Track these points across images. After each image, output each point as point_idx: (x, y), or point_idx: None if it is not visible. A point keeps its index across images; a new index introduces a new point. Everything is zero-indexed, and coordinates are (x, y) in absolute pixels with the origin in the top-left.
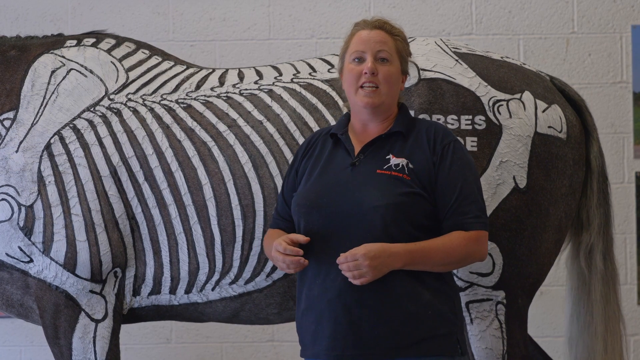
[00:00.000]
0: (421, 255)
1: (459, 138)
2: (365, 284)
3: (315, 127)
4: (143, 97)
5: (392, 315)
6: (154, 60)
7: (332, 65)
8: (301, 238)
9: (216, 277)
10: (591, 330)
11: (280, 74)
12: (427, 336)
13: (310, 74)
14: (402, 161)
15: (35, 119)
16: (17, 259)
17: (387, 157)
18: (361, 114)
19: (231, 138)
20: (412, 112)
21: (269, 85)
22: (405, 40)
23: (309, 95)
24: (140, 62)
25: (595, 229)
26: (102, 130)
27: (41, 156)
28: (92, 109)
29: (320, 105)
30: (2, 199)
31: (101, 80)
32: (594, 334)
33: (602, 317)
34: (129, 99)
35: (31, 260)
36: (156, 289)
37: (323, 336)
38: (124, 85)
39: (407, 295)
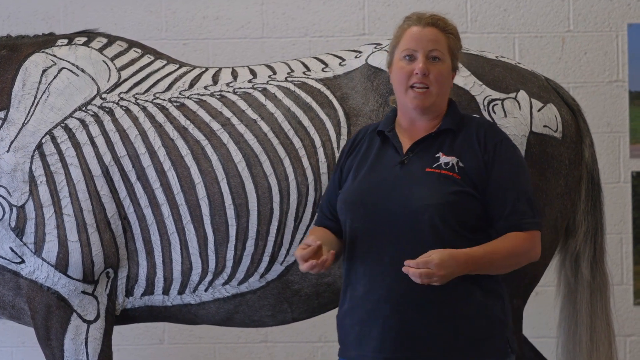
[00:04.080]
0: (486, 261)
1: (508, 137)
2: (415, 285)
3: (309, 126)
4: (135, 96)
5: (443, 315)
6: (146, 59)
7: (327, 64)
8: (312, 243)
9: (209, 277)
10: (576, 340)
11: (275, 73)
12: (479, 338)
13: (304, 72)
14: (452, 159)
15: (26, 118)
16: (8, 260)
17: (437, 155)
18: (410, 112)
19: (225, 137)
20: None
21: (263, 84)
22: (458, 36)
23: (303, 94)
24: (133, 61)
25: (581, 236)
26: (94, 129)
27: (32, 156)
28: (83, 108)
29: (314, 104)
30: None
31: (93, 79)
32: (578, 343)
33: (586, 328)
34: (121, 98)
35: (23, 261)
36: (149, 290)
37: (370, 337)
38: (116, 84)
39: (459, 295)
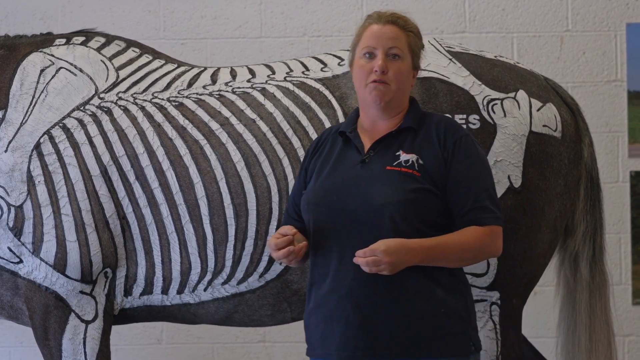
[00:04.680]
0: (438, 251)
1: (468, 134)
2: (376, 285)
3: (308, 126)
4: (134, 95)
5: (403, 313)
6: (144, 58)
7: (326, 64)
8: (289, 231)
9: (208, 277)
10: (575, 340)
11: (273, 73)
12: (439, 335)
13: (303, 72)
14: (412, 157)
15: (24, 118)
16: (6, 260)
17: (397, 153)
18: (370, 109)
19: (223, 136)
20: None
21: (262, 83)
22: (419, 35)
23: (302, 94)
24: (131, 61)
25: (579, 235)
26: (92, 129)
27: (30, 156)
28: (82, 108)
29: (313, 104)
30: None
31: (91, 79)
32: (577, 343)
33: (585, 328)
34: (120, 98)
35: (21, 261)
36: (148, 289)
37: (333, 336)
38: (114, 84)
39: (419, 293)
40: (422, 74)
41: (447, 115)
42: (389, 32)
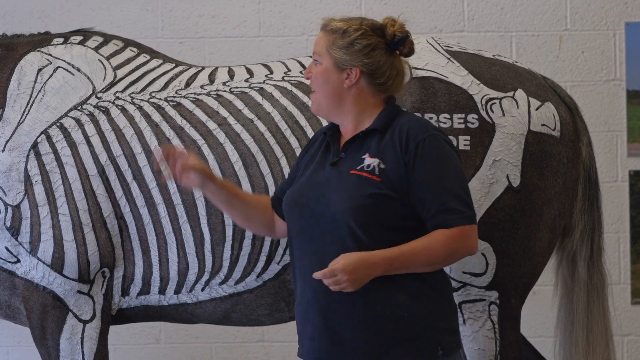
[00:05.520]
0: (402, 260)
1: (436, 133)
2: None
3: (306, 126)
4: (131, 95)
5: (365, 319)
6: (142, 58)
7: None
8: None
9: (206, 277)
10: (572, 340)
11: (271, 72)
12: (400, 340)
13: (301, 72)
14: (374, 161)
15: (21, 117)
16: (4, 260)
17: (363, 156)
18: None
19: (221, 136)
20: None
21: (260, 83)
22: (341, 32)
23: (300, 94)
24: (129, 60)
25: (577, 235)
26: (90, 128)
27: (28, 155)
28: (79, 108)
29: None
30: None
31: (88, 78)
32: (574, 343)
33: (583, 328)
34: (117, 97)
35: (18, 261)
36: (145, 289)
37: (305, 337)
38: (112, 84)
39: (381, 298)
40: (420, 73)
41: (446, 114)
42: (317, 39)
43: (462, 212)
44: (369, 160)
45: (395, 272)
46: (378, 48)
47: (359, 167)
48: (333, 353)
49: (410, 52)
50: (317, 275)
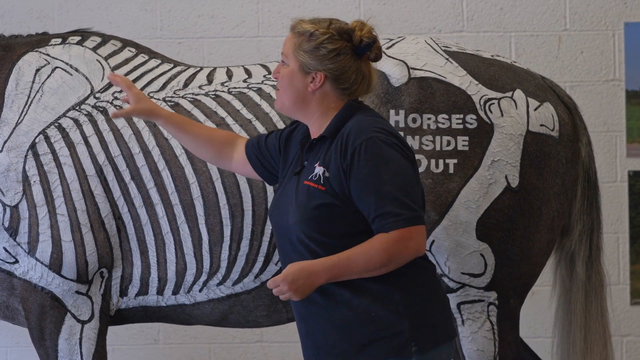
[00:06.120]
0: (343, 267)
1: (376, 135)
2: (310, 294)
3: None
4: None
5: (335, 322)
6: (140, 58)
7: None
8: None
9: (204, 277)
10: (570, 340)
11: (270, 73)
12: (370, 341)
13: None
14: (320, 170)
15: (19, 118)
16: (2, 260)
17: (315, 165)
18: None
19: None
20: (402, 112)
21: (258, 83)
22: (308, 35)
23: None
24: (127, 61)
25: (576, 235)
26: (88, 129)
27: (26, 156)
28: (77, 108)
29: None
30: None
31: (87, 78)
32: (572, 344)
33: (580, 328)
34: (115, 97)
35: (16, 261)
36: (143, 290)
37: (301, 340)
38: (110, 84)
39: (345, 302)
40: (418, 73)
41: (445, 114)
42: (285, 39)
43: (400, 215)
44: (317, 169)
45: (341, 279)
46: (343, 53)
47: (310, 177)
48: (316, 358)
49: (377, 57)
50: (268, 285)
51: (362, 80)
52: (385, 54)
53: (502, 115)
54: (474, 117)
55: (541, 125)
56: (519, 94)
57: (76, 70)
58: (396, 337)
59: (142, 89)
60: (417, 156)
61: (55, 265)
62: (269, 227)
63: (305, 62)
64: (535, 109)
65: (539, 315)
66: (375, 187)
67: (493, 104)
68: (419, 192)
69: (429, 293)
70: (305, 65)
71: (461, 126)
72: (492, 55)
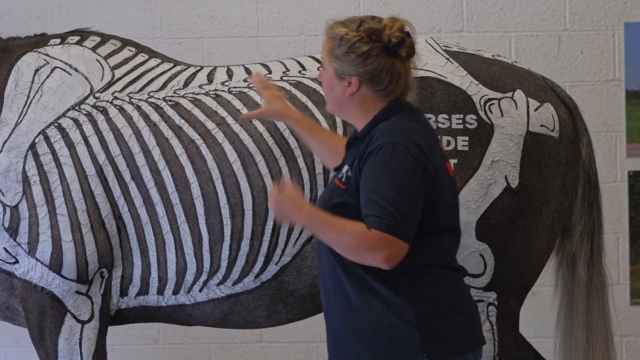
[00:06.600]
0: (321, 225)
1: (396, 141)
2: (330, 295)
3: None
4: (129, 95)
5: (351, 327)
6: (140, 57)
7: (322, 64)
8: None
9: (204, 277)
10: (572, 341)
11: (270, 72)
12: (382, 348)
13: (299, 72)
14: (345, 169)
15: (19, 118)
16: (2, 261)
17: (346, 164)
18: None
19: (220, 136)
20: None
21: None
22: (338, 39)
23: (298, 94)
24: (126, 60)
25: (577, 236)
26: (88, 128)
27: (26, 156)
28: (77, 108)
29: (309, 104)
30: None
31: (86, 78)
32: (574, 344)
33: (583, 329)
34: (115, 97)
35: (17, 261)
36: (144, 290)
37: None
38: (110, 83)
39: (361, 306)
40: (418, 73)
41: (445, 114)
42: (323, 42)
43: (381, 219)
44: (345, 168)
45: (314, 232)
46: (374, 55)
47: (339, 176)
48: (339, 355)
49: (409, 54)
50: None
51: (398, 79)
52: None
53: (502, 115)
54: (474, 117)
55: (541, 125)
56: (519, 94)
57: (75, 70)
58: (408, 346)
59: (142, 88)
60: None
61: (56, 265)
62: (269, 227)
63: (338, 68)
64: (536, 110)
65: (539, 315)
66: (372, 187)
67: (493, 104)
68: (414, 207)
69: (444, 304)
70: (339, 71)
71: (461, 126)
72: (493, 55)
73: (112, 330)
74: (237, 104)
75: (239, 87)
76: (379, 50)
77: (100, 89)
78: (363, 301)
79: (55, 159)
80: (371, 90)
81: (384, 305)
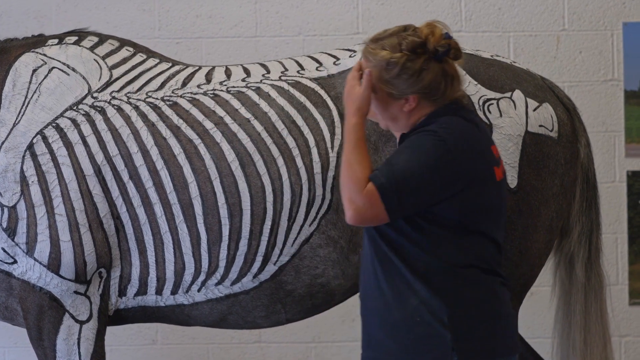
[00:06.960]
0: (351, 137)
1: (435, 131)
2: (368, 292)
3: (303, 126)
4: (127, 95)
5: (385, 321)
6: (138, 57)
7: (321, 64)
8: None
9: (202, 277)
10: (570, 342)
11: (268, 72)
12: (413, 344)
13: (298, 72)
14: None
15: (17, 118)
16: (0, 261)
17: None
18: None
19: (218, 136)
20: None
21: (257, 83)
22: (384, 64)
23: (297, 94)
24: (125, 60)
25: (575, 237)
26: (86, 128)
27: (24, 156)
28: (75, 108)
29: (308, 104)
30: None
31: (84, 78)
32: (572, 345)
33: (580, 329)
34: (113, 97)
35: (15, 262)
36: (142, 290)
37: None
38: (108, 83)
39: (396, 300)
40: None
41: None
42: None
43: (382, 179)
44: None
45: (344, 138)
46: (425, 68)
47: None
48: (369, 350)
49: (457, 56)
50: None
51: (452, 81)
52: None
53: (500, 115)
54: None
55: (540, 125)
56: (518, 94)
57: (73, 70)
58: (439, 345)
59: (140, 88)
60: None
61: (54, 265)
62: (267, 227)
63: (393, 92)
64: (534, 110)
65: (538, 315)
66: (391, 156)
67: (492, 104)
68: (417, 192)
69: (478, 308)
70: (394, 95)
71: None
72: (491, 56)
73: (110, 330)
74: (235, 103)
75: (238, 87)
76: (428, 63)
77: (98, 89)
78: (397, 295)
79: (54, 159)
80: (429, 100)
81: (418, 301)
